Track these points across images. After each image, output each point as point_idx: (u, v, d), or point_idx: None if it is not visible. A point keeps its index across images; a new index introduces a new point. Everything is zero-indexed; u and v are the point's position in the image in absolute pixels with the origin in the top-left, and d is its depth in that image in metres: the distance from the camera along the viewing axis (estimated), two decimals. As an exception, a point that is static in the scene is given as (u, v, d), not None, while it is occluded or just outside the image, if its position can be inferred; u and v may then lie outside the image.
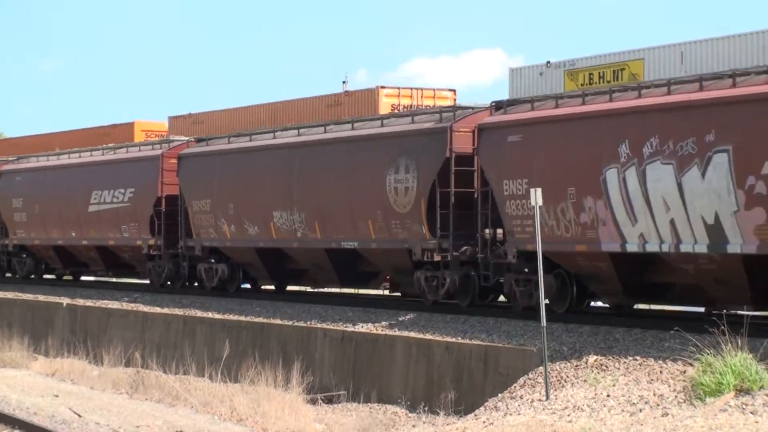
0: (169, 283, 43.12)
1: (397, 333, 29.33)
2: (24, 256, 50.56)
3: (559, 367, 24.41)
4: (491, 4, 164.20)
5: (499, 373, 25.55)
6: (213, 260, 40.66)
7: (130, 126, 55.56)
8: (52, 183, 48.47)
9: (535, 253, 28.60)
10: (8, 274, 52.25)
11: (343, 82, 57.44)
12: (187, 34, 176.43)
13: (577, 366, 24.30)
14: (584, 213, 28.36)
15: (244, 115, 53.02)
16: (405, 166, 32.79)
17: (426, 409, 26.52)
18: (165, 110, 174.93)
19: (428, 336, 28.33)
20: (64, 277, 51.45)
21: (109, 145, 50.17)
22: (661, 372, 22.91)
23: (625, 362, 23.99)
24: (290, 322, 32.57)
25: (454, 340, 27.62)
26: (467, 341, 27.30)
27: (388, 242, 33.31)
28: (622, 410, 21.54)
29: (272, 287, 40.52)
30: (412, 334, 28.82)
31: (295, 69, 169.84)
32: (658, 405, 21.40)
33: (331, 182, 35.26)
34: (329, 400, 29.07)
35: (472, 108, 32.79)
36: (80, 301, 41.76)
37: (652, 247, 27.18)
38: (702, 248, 26.30)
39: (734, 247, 25.65)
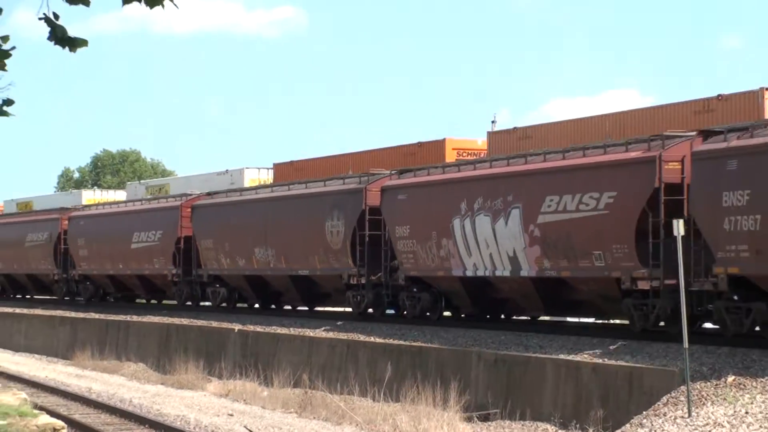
0: (188, 303, 48.41)
1: (547, 356, 27.69)
2: (88, 283, 55.89)
3: (700, 386, 22.97)
4: (628, 45, 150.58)
5: (644, 392, 24.17)
6: (217, 285, 46.16)
7: (440, 144, 46.25)
8: (103, 226, 53.96)
9: (416, 277, 34.75)
10: (79, 298, 57.17)
11: (492, 122, 55.80)
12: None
13: (716, 385, 22.89)
14: (442, 249, 33.23)
15: (580, 127, 42.28)
16: (337, 215, 37.86)
17: (576, 425, 24.90)
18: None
19: (577, 358, 26.80)
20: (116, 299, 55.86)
21: (147, 196, 56.94)
22: None
23: (762, 381, 22.45)
24: (447, 346, 30.84)
25: (600, 361, 26.09)
26: (613, 362, 25.71)
27: (328, 270, 38.44)
28: (760, 426, 20.46)
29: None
30: (561, 356, 27.27)
31: (440, 109, 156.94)
32: None
33: (291, 227, 40.40)
34: (485, 418, 27.48)
35: (381, 174, 37.91)
36: (250, 327, 39.67)
37: (481, 272, 32.05)
38: (507, 273, 31.13)
39: (524, 272, 30.54)
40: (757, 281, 24.67)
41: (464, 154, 42.44)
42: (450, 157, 41.06)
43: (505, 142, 42.67)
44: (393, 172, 37.38)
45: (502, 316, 35.06)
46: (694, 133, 27.71)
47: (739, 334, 25.24)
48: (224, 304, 45.66)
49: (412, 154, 43.25)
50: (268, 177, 51.64)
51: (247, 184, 47.40)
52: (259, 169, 54.76)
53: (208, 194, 47.76)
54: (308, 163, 50.70)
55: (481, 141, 45.07)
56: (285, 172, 49.92)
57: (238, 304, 46.32)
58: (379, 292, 36.64)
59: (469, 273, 32.49)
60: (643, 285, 27.31)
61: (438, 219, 33.55)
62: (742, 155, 24.96)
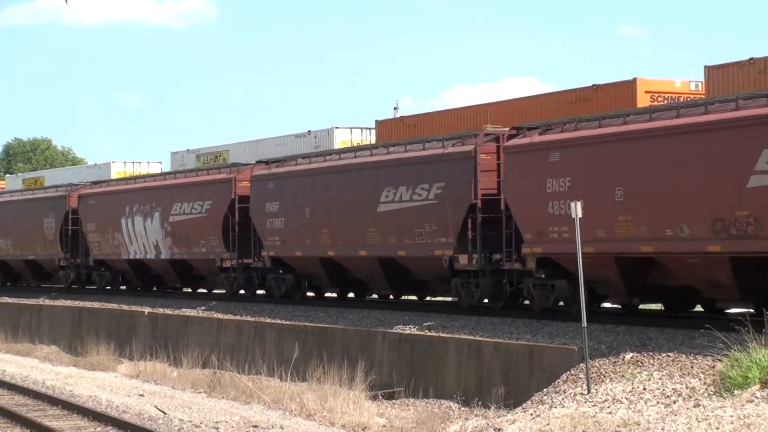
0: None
1: (450, 335, 16.50)
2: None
3: (599, 363, 13.70)
4: (527, 35, 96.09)
5: (544, 369, 14.51)
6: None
7: (628, 86, 20.93)
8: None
9: (102, 259, 27.14)
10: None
11: (395, 108, 33.66)
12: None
13: (614, 362, 13.66)
14: (115, 239, 26.98)
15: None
16: (51, 215, 29.33)
17: (478, 403, 14.84)
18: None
19: (478, 337, 15.99)
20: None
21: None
22: (692, 367, 12.93)
23: (659, 358, 13.43)
24: (352, 327, 18.62)
25: (501, 340, 15.56)
26: (514, 341, 15.34)
27: (46, 255, 29.94)
28: (658, 402, 12.33)
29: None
30: (463, 336, 16.26)
31: (346, 95, 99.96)
32: (690, 397, 12.22)
33: (22, 223, 30.90)
34: (389, 397, 16.59)
35: (81, 184, 29.97)
36: (160, 310, 24.12)
37: (139, 256, 26.09)
38: (153, 256, 25.27)
39: (163, 255, 25.02)
40: (287, 260, 21.69)
41: (659, 99, 20.81)
42: (642, 101, 20.11)
43: (742, 78, 19.25)
44: (88, 183, 30.69)
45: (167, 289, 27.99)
46: (254, 162, 24.47)
47: (282, 294, 22.29)
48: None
49: (585, 100, 21.15)
50: (362, 138, 27.35)
51: (337, 145, 26.62)
52: (351, 128, 28.64)
53: None
54: (425, 118, 25.71)
55: (679, 82, 22.15)
56: (392, 129, 26.01)
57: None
58: (79, 271, 29.15)
59: (132, 256, 26.62)
60: (227, 263, 23.15)
61: (113, 218, 27.11)
62: (275, 179, 22.12)
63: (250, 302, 22.79)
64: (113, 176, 35.38)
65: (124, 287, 28.82)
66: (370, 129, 27.96)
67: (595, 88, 20.89)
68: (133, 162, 39.77)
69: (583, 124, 15.25)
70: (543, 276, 15.85)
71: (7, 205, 33.00)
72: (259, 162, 23.56)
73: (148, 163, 40.08)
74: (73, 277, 29.14)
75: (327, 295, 22.86)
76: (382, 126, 26.86)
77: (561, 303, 16.18)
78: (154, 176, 27.54)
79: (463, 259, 16.84)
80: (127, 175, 32.98)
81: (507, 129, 16.90)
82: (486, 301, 17.47)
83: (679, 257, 13.89)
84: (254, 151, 30.57)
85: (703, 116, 13.63)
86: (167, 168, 33.89)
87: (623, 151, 14.14)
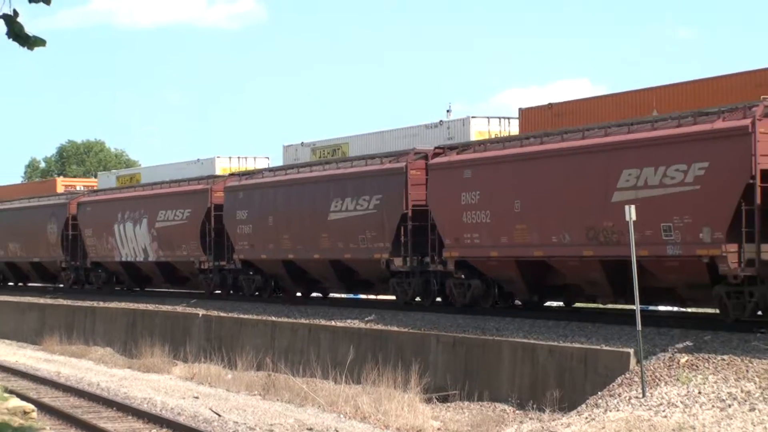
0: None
1: (504, 338, 13.19)
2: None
3: (654, 367, 10.90)
4: (579, 36, 73.70)
5: (598, 373, 11.45)
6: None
7: None
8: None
9: (98, 262, 24.09)
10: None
11: (448, 111, 28.07)
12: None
13: (669, 366, 10.88)
14: (109, 243, 23.69)
15: None
16: (53, 221, 25.76)
17: (533, 406, 11.94)
18: None
19: (532, 340, 12.73)
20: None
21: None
22: (747, 371, 10.31)
23: (714, 362, 10.69)
24: (406, 329, 14.70)
25: (556, 343, 12.31)
26: (568, 344, 12.15)
27: (49, 258, 26.16)
28: (713, 406, 9.80)
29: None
30: (518, 339, 12.97)
31: (400, 99, 76.50)
32: (745, 401, 9.73)
33: (28, 228, 26.69)
34: (444, 399, 13.16)
35: (80, 192, 27.50)
36: (214, 312, 19.30)
37: (130, 258, 23.18)
38: (142, 259, 22.41)
39: (150, 258, 22.02)
40: (255, 262, 19.90)
41: None
42: None
43: None
44: (87, 191, 28.09)
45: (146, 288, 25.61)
46: (228, 174, 22.83)
47: (252, 293, 20.70)
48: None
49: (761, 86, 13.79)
50: (500, 129, 20.42)
51: (473, 136, 19.62)
52: (488, 118, 20.67)
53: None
54: (576, 105, 17.84)
55: None
56: (538, 118, 18.45)
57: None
58: (78, 273, 26.39)
59: (124, 259, 24.12)
60: (204, 265, 20.98)
61: (107, 224, 24.49)
62: (245, 190, 20.24)
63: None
64: (218, 172, 26.95)
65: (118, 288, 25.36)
66: (509, 119, 21.42)
67: None
68: (239, 157, 29.63)
69: (492, 146, 15.01)
70: (462, 276, 15.21)
71: (16, 211, 30.13)
72: (232, 174, 22.28)
73: (254, 158, 30.02)
74: (73, 278, 26.56)
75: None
76: (527, 114, 19.82)
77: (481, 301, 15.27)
78: (143, 186, 25.52)
79: (397, 262, 16.19)
80: (232, 171, 26.10)
81: (433, 149, 16.22)
82: (418, 298, 16.55)
83: (563, 260, 13.42)
84: (379, 142, 22.12)
85: (580, 141, 13.33)
86: (277, 163, 26.61)
87: (520, 170, 13.95)
